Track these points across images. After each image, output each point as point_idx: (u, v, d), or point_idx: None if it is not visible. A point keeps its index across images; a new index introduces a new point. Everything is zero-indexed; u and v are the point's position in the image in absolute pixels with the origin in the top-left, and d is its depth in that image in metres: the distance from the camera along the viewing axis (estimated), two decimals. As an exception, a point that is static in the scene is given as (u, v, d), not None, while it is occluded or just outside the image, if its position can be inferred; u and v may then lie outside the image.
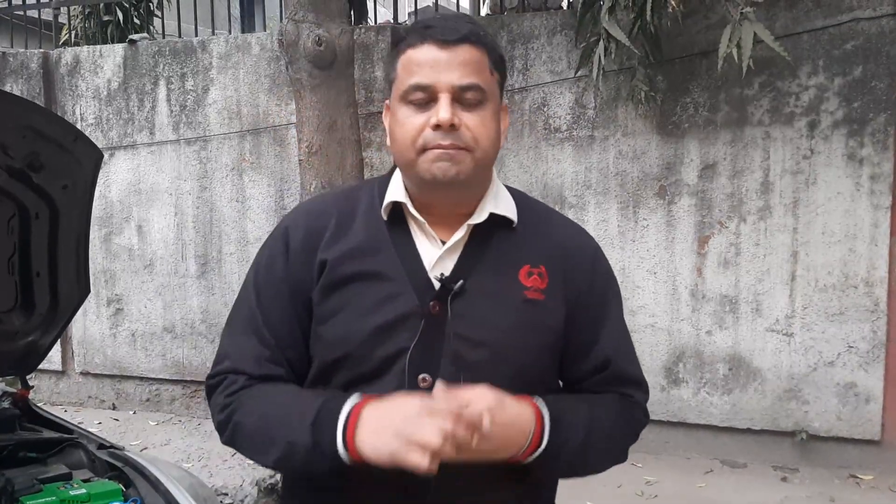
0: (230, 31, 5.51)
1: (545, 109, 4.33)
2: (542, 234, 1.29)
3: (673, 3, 3.48)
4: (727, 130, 4.04)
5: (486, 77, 1.18)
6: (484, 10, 6.04)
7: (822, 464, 4.03)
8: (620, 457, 1.33)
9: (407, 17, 6.73)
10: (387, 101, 1.26)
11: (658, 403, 4.19)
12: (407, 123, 1.17)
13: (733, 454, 4.18)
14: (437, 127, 1.14)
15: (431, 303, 1.18)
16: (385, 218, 1.24)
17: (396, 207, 1.24)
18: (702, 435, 4.22)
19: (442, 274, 1.19)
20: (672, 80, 4.09)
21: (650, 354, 4.22)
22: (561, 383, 1.33)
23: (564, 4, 4.80)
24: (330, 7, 3.53)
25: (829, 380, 3.97)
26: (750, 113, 4.00)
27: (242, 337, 1.26)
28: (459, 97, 1.15)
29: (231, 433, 1.22)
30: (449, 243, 1.21)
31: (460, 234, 1.22)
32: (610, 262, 1.37)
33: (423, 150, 1.15)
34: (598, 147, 4.25)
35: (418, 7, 5.37)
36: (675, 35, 3.99)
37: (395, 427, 1.04)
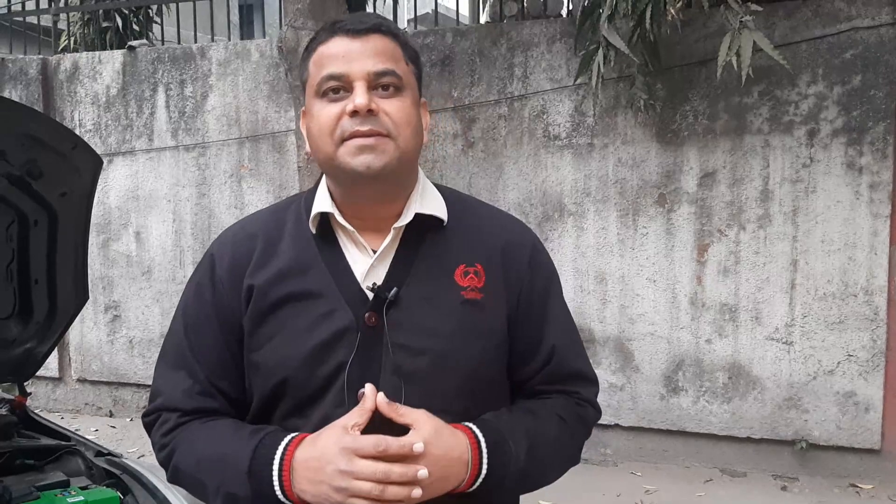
0: (229, 38, 5.51)
1: (544, 117, 4.33)
2: (475, 230, 1.24)
3: (672, 11, 3.49)
4: (726, 139, 4.04)
5: (401, 66, 1.16)
6: (483, 18, 6.04)
7: (822, 473, 4.02)
8: (573, 460, 1.28)
9: (406, 25, 6.73)
10: (303, 109, 1.23)
11: (657, 412, 4.18)
12: (322, 115, 1.13)
13: (733, 463, 4.18)
14: (354, 113, 1.10)
15: (367, 315, 1.14)
16: (313, 231, 1.21)
17: (325, 219, 1.21)
18: (701, 444, 4.21)
19: (374, 284, 1.15)
20: (671, 88, 4.10)
21: (649, 363, 4.22)
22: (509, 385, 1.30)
23: (564, 12, 4.81)
24: (329, 14, 3.54)
25: (829, 388, 3.97)
26: (749, 121, 4.01)
27: (173, 371, 1.24)
28: (375, 84, 1.12)
29: (172, 474, 1.20)
30: (378, 250, 1.18)
31: (388, 239, 1.18)
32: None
33: (342, 140, 1.12)
34: (598, 155, 4.25)
35: (417, 13, 5.38)
36: (675, 43, 4.00)
37: (330, 480, 1.03)
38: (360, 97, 1.10)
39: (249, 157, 4.92)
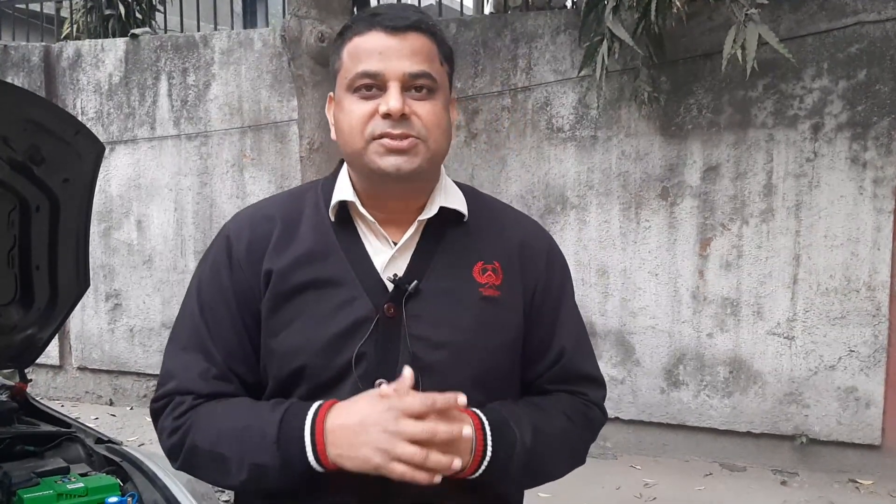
0: (232, 27, 5.50)
1: (548, 109, 4.32)
2: (494, 228, 1.25)
3: (677, 3, 3.47)
4: (730, 132, 4.03)
5: (436, 67, 1.15)
6: (487, 9, 6.02)
7: (822, 468, 4.03)
8: (578, 459, 1.27)
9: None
10: (330, 94, 1.23)
11: (658, 406, 4.18)
12: (354, 112, 1.12)
13: (733, 457, 4.18)
14: (386, 116, 1.10)
15: (386, 305, 1.14)
16: (332, 219, 1.20)
17: (343, 207, 1.20)
18: (701, 438, 4.21)
19: (395, 275, 1.15)
20: (675, 81, 4.08)
21: (650, 356, 4.21)
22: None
23: (568, 4, 4.79)
24: (333, 3, 3.51)
25: (830, 384, 3.96)
26: (753, 115, 3.99)
27: (187, 354, 1.20)
28: (409, 86, 1.11)
29: (186, 457, 1.16)
30: (400, 242, 1.18)
31: (411, 231, 1.18)
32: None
33: (372, 139, 1.11)
34: (601, 147, 4.24)
35: (421, 4, 5.35)
36: (679, 36, 3.98)
37: (374, 442, 1.02)
38: (394, 101, 1.09)
39: (251, 146, 4.91)
